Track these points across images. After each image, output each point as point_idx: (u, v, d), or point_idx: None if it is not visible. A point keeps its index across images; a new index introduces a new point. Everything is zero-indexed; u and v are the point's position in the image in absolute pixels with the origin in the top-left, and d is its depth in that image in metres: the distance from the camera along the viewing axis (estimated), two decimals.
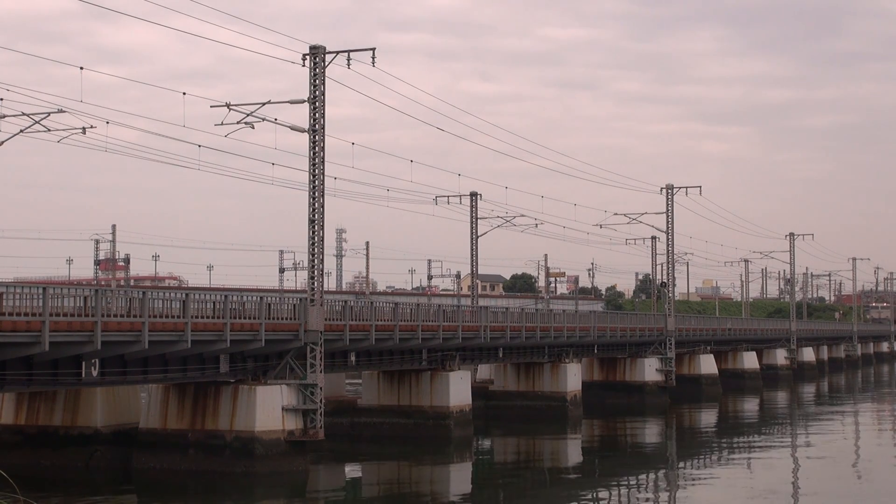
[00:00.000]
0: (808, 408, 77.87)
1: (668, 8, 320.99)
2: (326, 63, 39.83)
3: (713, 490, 38.64)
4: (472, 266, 66.39)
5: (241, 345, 37.91)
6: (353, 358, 46.11)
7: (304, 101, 39.92)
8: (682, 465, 46.61)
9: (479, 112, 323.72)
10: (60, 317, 30.99)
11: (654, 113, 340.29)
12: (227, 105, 39.67)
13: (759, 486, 39.01)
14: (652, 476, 43.55)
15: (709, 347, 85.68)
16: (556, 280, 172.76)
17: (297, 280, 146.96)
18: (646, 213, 77.84)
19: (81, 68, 36.94)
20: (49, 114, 39.00)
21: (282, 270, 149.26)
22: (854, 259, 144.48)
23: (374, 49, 39.93)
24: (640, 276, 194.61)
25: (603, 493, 39.08)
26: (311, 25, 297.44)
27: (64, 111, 38.70)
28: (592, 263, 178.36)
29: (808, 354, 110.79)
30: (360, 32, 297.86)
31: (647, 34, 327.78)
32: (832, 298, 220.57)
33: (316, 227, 40.15)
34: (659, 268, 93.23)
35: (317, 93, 39.82)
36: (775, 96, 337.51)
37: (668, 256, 78.86)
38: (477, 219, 65.40)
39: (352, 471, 45.36)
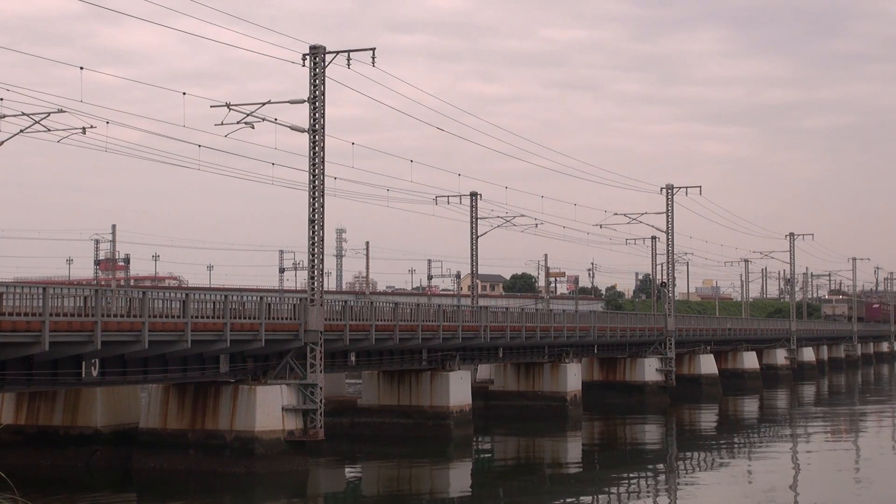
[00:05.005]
0: (808, 408, 77.87)
1: (668, 9, 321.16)
2: (326, 63, 39.85)
3: (713, 490, 38.64)
4: (472, 266, 66.38)
5: (241, 345, 37.92)
6: (353, 358, 46.12)
7: (304, 102, 39.94)
8: (681, 465, 46.61)
9: (481, 112, 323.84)
10: (60, 317, 31.00)
11: (655, 113, 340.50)
12: (228, 105, 39.68)
13: (759, 486, 39.05)
14: (652, 476, 43.55)
15: (709, 347, 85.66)
16: (556, 280, 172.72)
17: (297, 280, 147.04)
18: (646, 213, 77.93)
19: (81, 68, 36.98)
20: (49, 114, 38.98)
21: (282, 270, 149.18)
22: (854, 259, 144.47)
23: (373, 49, 39.97)
24: (640, 276, 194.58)
25: (603, 493, 39.08)
26: (314, 27, 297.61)
27: (64, 111, 38.69)
28: (592, 263, 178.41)
29: (808, 354, 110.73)
30: (362, 34, 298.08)
31: (647, 35, 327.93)
32: None
33: (316, 227, 40.16)
34: (659, 268, 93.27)
35: (317, 93, 39.84)
36: (776, 97, 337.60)
37: (668, 256, 78.89)
38: (477, 219, 65.41)
39: (352, 471, 45.37)
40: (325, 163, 40.19)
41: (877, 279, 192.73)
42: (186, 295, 35.87)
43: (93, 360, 33.59)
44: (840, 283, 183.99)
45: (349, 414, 52.77)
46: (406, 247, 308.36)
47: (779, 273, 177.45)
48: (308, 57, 39.86)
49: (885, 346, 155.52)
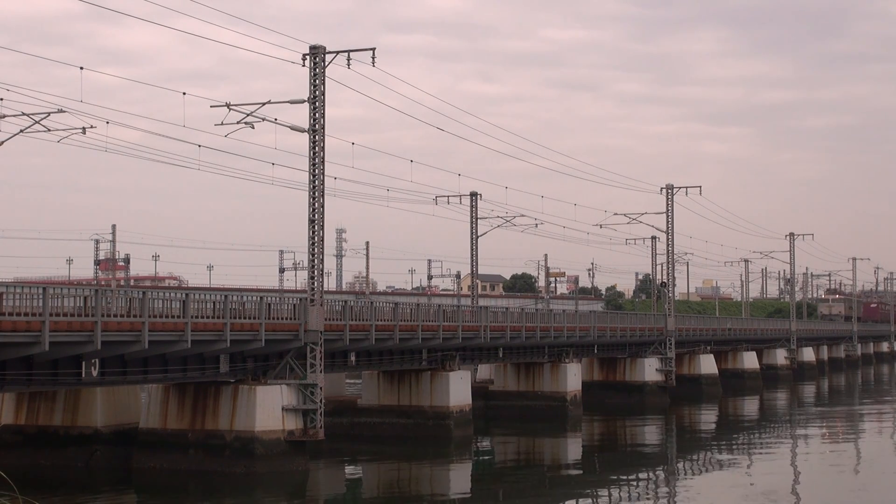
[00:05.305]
0: (808, 408, 77.86)
1: (668, 9, 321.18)
2: (326, 63, 39.86)
3: (713, 490, 38.62)
4: (472, 266, 66.38)
5: (241, 345, 37.91)
6: (353, 358, 46.11)
7: (304, 101, 39.94)
8: (681, 465, 46.61)
9: (481, 113, 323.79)
10: (60, 317, 30.99)
11: (655, 113, 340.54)
12: (227, 105, 39.68)
13: (759, 486, 38.98)
14: (652, 476, 43.55)
15: (709, 347, 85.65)
16: (556, 280, 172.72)
17: (297, 280, 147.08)
18: (646, 213, 77.97)
19: (81, 68, 36.98)
20: (49, 114, 38.98)
21: (282, 270, 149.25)
22: (854, 259, 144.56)
23: (373, 49, 39.98)
24: (640, 276, 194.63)
25: (603, 493, 39.04)
26: (314, 27, 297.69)
27: (64, 111, 38.69)
28: (592, 263, 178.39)
29: (808, 354, 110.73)
30: (362, 34, 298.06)
31: (647, 35, 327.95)
32: None
33: (316, 227, 40.16)
34: (659, 268, 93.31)
35: (317, 93, 39.83)
36: (775, 97, 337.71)
37: (668, 256, 78.90)
38: (477, 219, 65.42)
39: (352, 471, 45.37)
40: (325, 163, 40.19)
41: (877, 279, 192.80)
42: (186, 295, 35.86)
43: (93, 360, 33.59)
44: (840, 283, 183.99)
45: (349, 414, 52.76)
46: (406, 247, 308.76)
47: (779, 273, 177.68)
48: (308, 57, 39.86)
49: (885, 346, 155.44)
